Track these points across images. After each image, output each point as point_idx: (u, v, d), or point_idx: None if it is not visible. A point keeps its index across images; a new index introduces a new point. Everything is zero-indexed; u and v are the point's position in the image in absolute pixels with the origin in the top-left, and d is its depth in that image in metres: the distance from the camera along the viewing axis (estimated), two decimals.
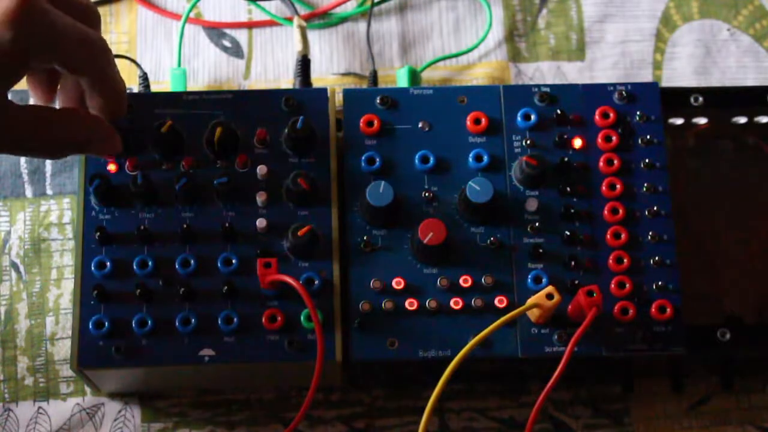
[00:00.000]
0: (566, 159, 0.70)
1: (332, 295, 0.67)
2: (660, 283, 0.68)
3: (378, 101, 0.71)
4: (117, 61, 0.81)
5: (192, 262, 0.67)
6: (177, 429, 0.73)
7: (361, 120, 0.71)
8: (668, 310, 0.68)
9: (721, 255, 0.71)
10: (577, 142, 0.70)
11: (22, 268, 0.76)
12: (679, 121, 0.73)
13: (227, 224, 0.67)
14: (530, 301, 0.65)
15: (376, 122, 0.71)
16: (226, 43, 0.84)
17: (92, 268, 0.67)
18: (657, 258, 0.69)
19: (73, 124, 0.62)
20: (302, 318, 0.66)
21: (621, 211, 0.69)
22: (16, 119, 0.58)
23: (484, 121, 0.71)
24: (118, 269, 0.67)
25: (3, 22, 0.54)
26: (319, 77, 0.82)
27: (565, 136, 0.71)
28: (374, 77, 0.80)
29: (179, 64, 0.79)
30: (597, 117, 0.71)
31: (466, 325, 0.67)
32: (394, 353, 0.67)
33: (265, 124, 0.70)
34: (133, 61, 0.79)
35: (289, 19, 0.83)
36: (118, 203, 0.68)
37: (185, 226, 0.67)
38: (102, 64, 0.62)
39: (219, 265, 0.67)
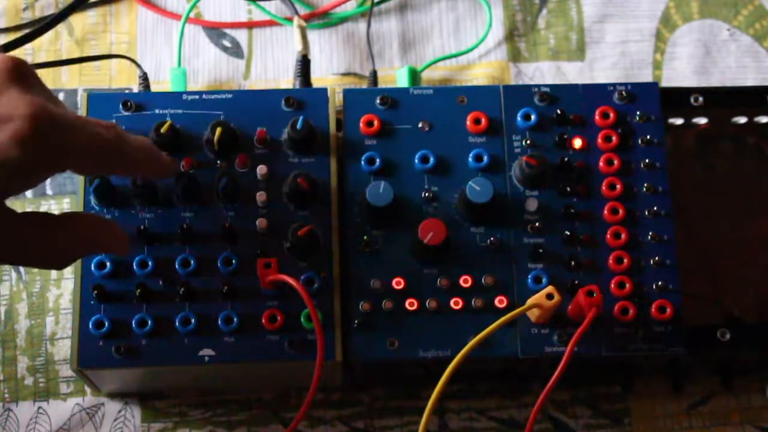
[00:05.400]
0: (566, 159, 0.70)
1: (332, 295, 0.67)
2: (660, 283, 0.68)
3: (378, 101, 0.71)
4: (117, 61, 0.82)
5: (192, 262, 0.67)
6: (177, 429, 0.73)
7: (361, 120, 0.71)
8: (668, 310, 0.68)
9: (721, 255, 0.71)
10: (577, 142, 0.70)
11: (22, 268, 0.76)
12: (679, 121, 0.73)
13: (227, 224, 0.67)
14: (530, 301, 0.65)
15: (376, 122, 0.71)
16: (226, 43, 0.84)
17: (92, 268, 0.67)
18: (657, 258, 0.69)
19: (78, 231, 0.58)
20: (302, 318, 0.66)
21: (621, 211, 0.69)
22: (17, 229, 0.55)
23: (484, 121, 0.71)
24: (118, 269, 0.67)
25: (12, 141, 0.51)
26: (319, 77, 0.82)
27: (565, 136, 0.71)
28: (374, 77, 0.80)
29: (179, 64, 0.79)
30: (597, 117, 0.71)
31: (466, 325, 0.67)
32: (394, 353, 0.67)
33: (265, 124, 0.70)
34: (133, 61, 0.79)
35: (289, 19, 0.83)
36: (118, 203, 0.68)
37: (185, 226, 0.67)
38: (121, 161, 0.59)
39: (219, 265, 0.67)
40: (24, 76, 0.54)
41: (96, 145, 0.56)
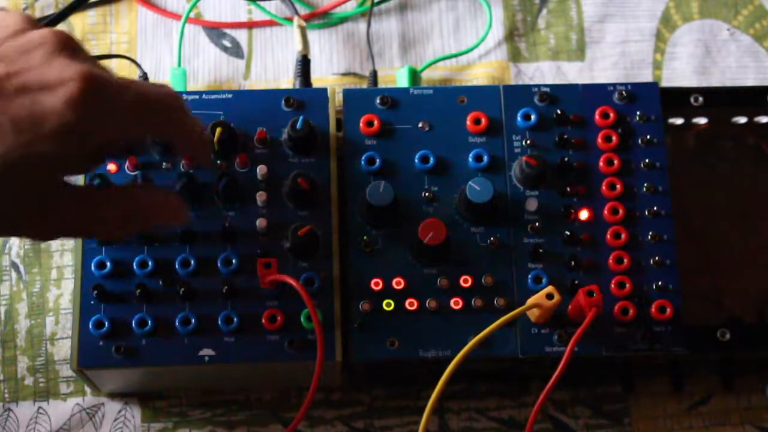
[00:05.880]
0: (566, 159, 0.70)
1: (332, 295, 0.67)
2: (660, 283, 0.68)
3: (378, 101, 0.71)
4: (117, 61, 0.82)
5: (192, 262, 0.67)
6: (177, 429, 0.73)
7: (361, 120, 0.71)
8: (668, 310, 0.68)
9: (721, 255, 0.71)
10: (584, 214, 0.69)
11: (22, 268, 0.76)
12: (679, 121, 0.73)
13: (227, 224, 0.68)
14: (530, 301, 0.65)
15: (376, 122, 0.71)
16: (226, 43, 0.84)
17: (92, 268, 0.67)
18: (657, 258, 0.69)
19: (134, 202, 0.60)
20: (302, 318, 0.66)
21: (621, 211, 0.69)
22: (71, 203, 0.56)
23: (484, 121, 0.71)
24: (118, 269, 0.67)
25: (66, 104, 0.52)
26: (319, 77, 0.82)
27: (565, 136, 0.71)
28: (374, 77, 0.80)
29: (179, 64, 0.79)
30: (597, 117, 0.71)
31: (466, 325, 0.67)
32: (394, 353, 0.67)
33: (265, 124, 0.70)
34: (133, 61, 0.79)
35: (289, 19, 0.83)
36: None
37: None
38: (178, 130, 0.60)
39: (219, 265, 0.67)
40: (70, 46, 0.55)
41: (147, 100, 0.56)
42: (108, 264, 0.67)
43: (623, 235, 0.69)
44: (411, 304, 0.67)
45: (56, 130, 0.52)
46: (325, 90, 0.72)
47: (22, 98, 0.52)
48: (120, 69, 0.82)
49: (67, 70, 0.53)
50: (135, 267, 0.67)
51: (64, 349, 0.74)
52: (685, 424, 0.74)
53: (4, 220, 0.54)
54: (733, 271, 0.70)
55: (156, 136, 0.60)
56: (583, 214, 0.69)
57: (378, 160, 0.70)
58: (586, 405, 0.74)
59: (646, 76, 0.84)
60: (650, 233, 0.69)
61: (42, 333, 0.75)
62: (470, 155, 0.70)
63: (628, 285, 0.68)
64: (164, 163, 0.69)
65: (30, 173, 0.53)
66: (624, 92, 0.72)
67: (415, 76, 0.79)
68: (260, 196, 0.68)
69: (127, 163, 0.69)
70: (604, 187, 0.70)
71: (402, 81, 0.79)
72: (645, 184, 0.70)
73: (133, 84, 0.56)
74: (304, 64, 0.77)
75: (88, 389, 0.73)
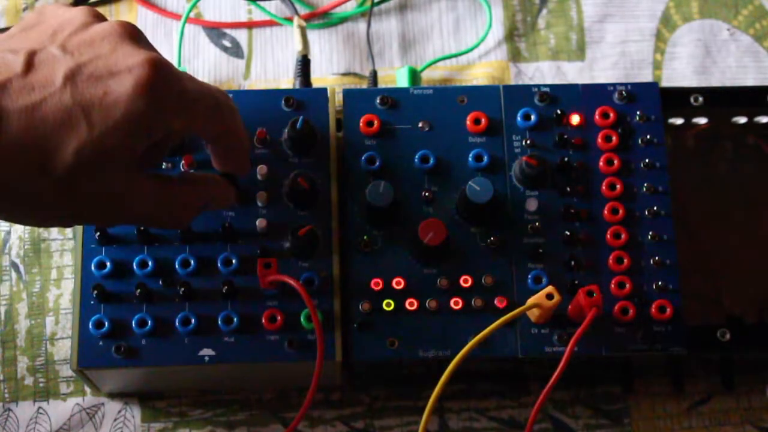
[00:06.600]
0: (566, 159, 0.70)
1: (332, 295, 0.67)
2: (660, 283, 0.68)
3: (378, 101, 0.71)
4: None
5: (192, 262, 0.67)
6: (177, 429, 0.73)
7: (361, 120, 0.71)
8: (668, 310, 0.68)
9: (721, 255, 0.71)
10: (575, 119, 0.70)
11: (22, 268, 0.76)
12: (679, 121, 0.73)
13: (227, 224, 0.68)
14: (530, 301, 0.65)
15: (376, 122, 0.71)
16: (226, 43, 0.84)
17: (92, 268, 0.67)
18: (657, 258, 0.69)
19: (196, 189, 0.61)
20: (302, 318, 0.66)
21: (621, 211, 0.69)
22: (144, 192, 0.57)
23: (484, 121, 0.71)
24: (118, 269, 0.67)
25: (134, 90, 0.53)
26: (319, 77, 0.82)
27: (565, 136, 0.71)
28: (374, 77, 0.80)
29: (179, 64, 0.79)
30: (597, 117, 0.71)
31: (466, 325, 0.67)
32: (394, 353, 0.67)
33: (265, 124, 0.70)
34: None
35: (289, 19, 0.83)
36: None
37: None
38: (231, 128, 0.60)
39: (219, 265, 0.67)
40: (134, 35, 0.56)
41: (215, 101, 0.57)
42: (108, 264, 0.67)
43: (623, 235, 0.69)
44: (411, 304, 0.67)
45: (126, 119, 0.52)
46: (325, 90, 0.72)
47: (92, 88, 0.52)
48: None
49: (134, 56, 0.54)
50: (135, 267, 0.67)
51: (64, 349, 0.74)
52: (685, 424, 0.74)
53: (82, 212, 0.56)
54: (733, 271, 0.70)
55: (210, 132, 0.60)
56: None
57: (378, 160, 0.70)
58: (586, 405, 0.74)
59: (646, 76, 0.84)
60: (650, 233, 0.69)
61: (42, 333, 0.75)
62: (470, 155, 0.70)
63: (628, 285, 0.68)
64: (164, 163, 0.69)
65: (102, 169, 0.53)
66: (624, 92, 0.72)
67: (415, 76, 0.79)
68: (260, 196, 0.68)
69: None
70: (604, 187, 0.70)
71: (402, 81, 0.79)
72: (645, 184, 0.70)
73: (194, 78, 0.57)
74: (304, 64, 0.77)
75: (88, 389, 0.73)
